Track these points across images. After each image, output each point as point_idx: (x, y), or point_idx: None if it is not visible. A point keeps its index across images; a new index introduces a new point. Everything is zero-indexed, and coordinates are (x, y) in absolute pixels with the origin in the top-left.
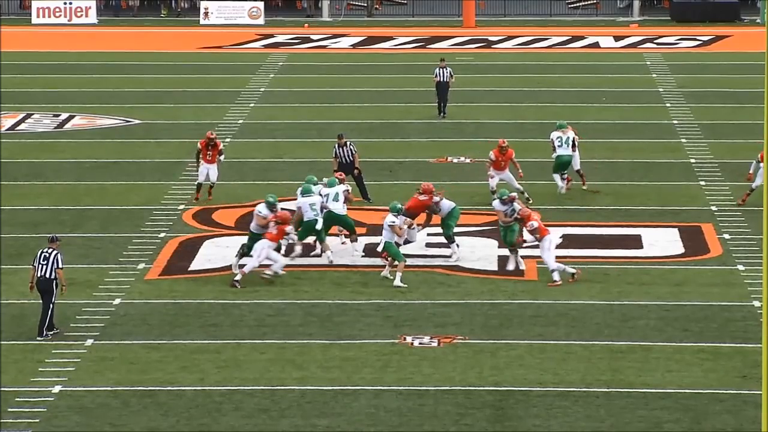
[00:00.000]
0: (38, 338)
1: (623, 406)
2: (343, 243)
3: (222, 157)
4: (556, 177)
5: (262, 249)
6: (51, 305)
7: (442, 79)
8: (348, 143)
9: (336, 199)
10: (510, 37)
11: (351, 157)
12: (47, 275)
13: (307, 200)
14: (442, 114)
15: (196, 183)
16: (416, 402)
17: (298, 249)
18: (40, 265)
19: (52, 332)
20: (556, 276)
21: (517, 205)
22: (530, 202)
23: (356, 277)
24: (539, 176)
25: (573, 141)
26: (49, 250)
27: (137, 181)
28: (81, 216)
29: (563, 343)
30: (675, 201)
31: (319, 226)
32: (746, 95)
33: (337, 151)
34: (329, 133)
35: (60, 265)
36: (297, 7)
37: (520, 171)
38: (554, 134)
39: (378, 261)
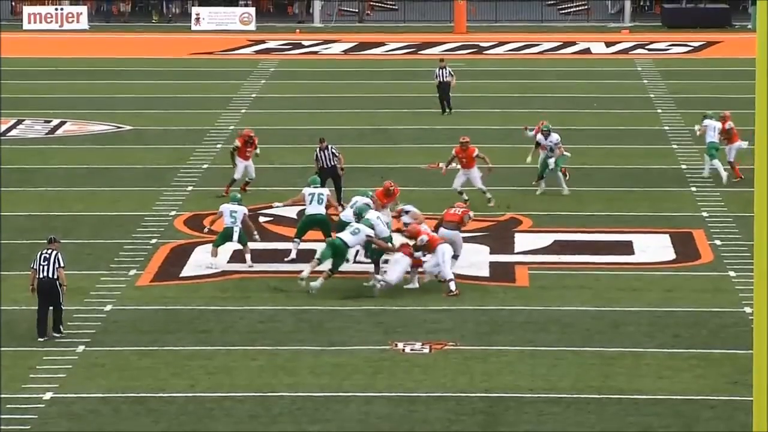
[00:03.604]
0: (55, 335)
1: (614, 412)
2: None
3: (257, 151)
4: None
5: (403, 261)
6: (61, 307)
7: (442, 79)
8: (329, 147)
9: (352, 206)
10: (501, 43)
11: (332, 161)
12: (50, 275)
13: (229, 207)
14: (446, 112)
15: (232, 178)
16: (407, 408)
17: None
18: (41, 266)
19: (44, 338)
20: (452, 285)
21: (407, 219)
22: (491, 205)
23: (348, 283)
24: (529, 183)
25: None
26: (49, 251)
27: (128, 187)
28: (72, 222)
29: (554, 349)
30: (666, 207)
31: (235, 236)
32: (737, 101)
33: (318, 155)
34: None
35: (61, 264)
36: (288, 12)
37: (490, 165)
38: (555, 139)
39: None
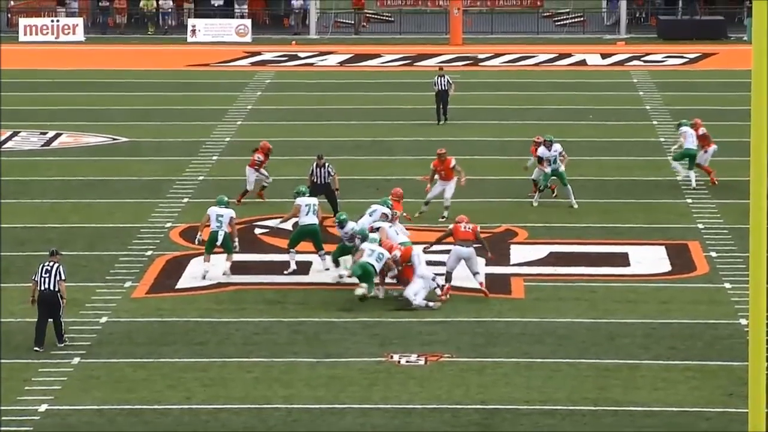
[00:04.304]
0: (59, 344)
1: (610, 424)
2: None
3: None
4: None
5: (426, 284)
6: (60, 320)
7: (441, 88)
8: (326, 164)
9: (371, 214)
10: (497, 55)
11: (327, 178)
12: (51, 287)
13: (216, 210)
14: (442, 121)
15: (262, 185)
16: (403, 420)
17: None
18: (43, 279)
19: (41, 348)
20: (435, 291)
21: (376, 236)
22: (442, 219)
23: (343, 295)
24: (524, 195)
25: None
26: (51, 263)
27: (124, 199)
28: (68, 234)
29: (550, 361)
30: (662, 219)
31: (220, 239)
32: (733, 113)
33: (314, 171)
34: (316, 151)
35: (62, 277)
36: (284, 24)
37: (463, 180)
38: (558, 148)
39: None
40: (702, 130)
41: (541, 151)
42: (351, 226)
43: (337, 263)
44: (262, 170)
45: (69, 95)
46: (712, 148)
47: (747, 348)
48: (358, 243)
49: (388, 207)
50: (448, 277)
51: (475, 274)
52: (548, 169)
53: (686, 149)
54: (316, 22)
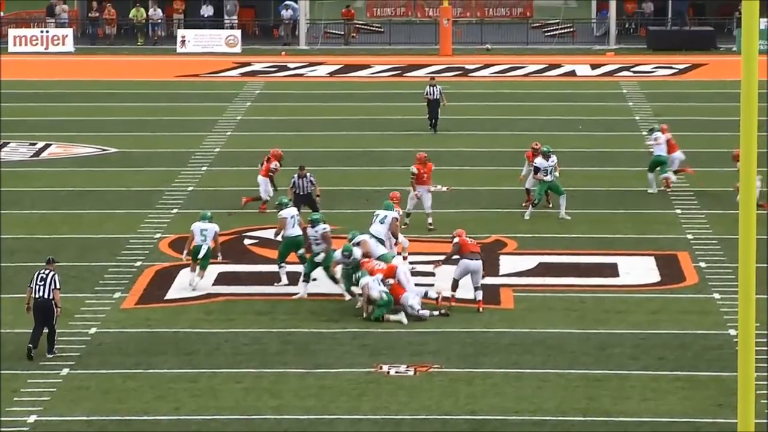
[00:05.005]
0: (48, 355)
1: None
2: (405, 258)
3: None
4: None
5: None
6: (54, 328)
7: (432, 97)
8: (308, 174)
9: (383, 221)
10: (487, 65)
11: (309, 188)
12: (45, 296)
13: (200, 225)
14: (433, 130)
15: (259, 197)
16: (392, 430)
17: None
18: (38, 286)
19: (34, 348)
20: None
21: (358, 252)
22: (432, 228)
23: (332, 305)
24: (515, 205)
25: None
26: (46, 272)
27: (113, 209)
28: (57, 245)
29: (539, 371)
30: (651, 229)
31: (201, 252)
32: (722, 123)
33: (296, 182)
34: (306, 162)
35: (57, 286)
36: (274, 35)
37: (431, 188)
38: (555, 159)
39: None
40: (668, 136)
41: (539, 161)
42: (323, 226)
43: (307, 279)
44: (265, 177)
45: (58, 106)
46: (677, 154)
47: (736, 358)
48: (339, 257)
49: (393, 210)
50: (454, 286)
51: (476, 289)
52: (549, 177)
53: (657, 156)
54: (306, 33)
